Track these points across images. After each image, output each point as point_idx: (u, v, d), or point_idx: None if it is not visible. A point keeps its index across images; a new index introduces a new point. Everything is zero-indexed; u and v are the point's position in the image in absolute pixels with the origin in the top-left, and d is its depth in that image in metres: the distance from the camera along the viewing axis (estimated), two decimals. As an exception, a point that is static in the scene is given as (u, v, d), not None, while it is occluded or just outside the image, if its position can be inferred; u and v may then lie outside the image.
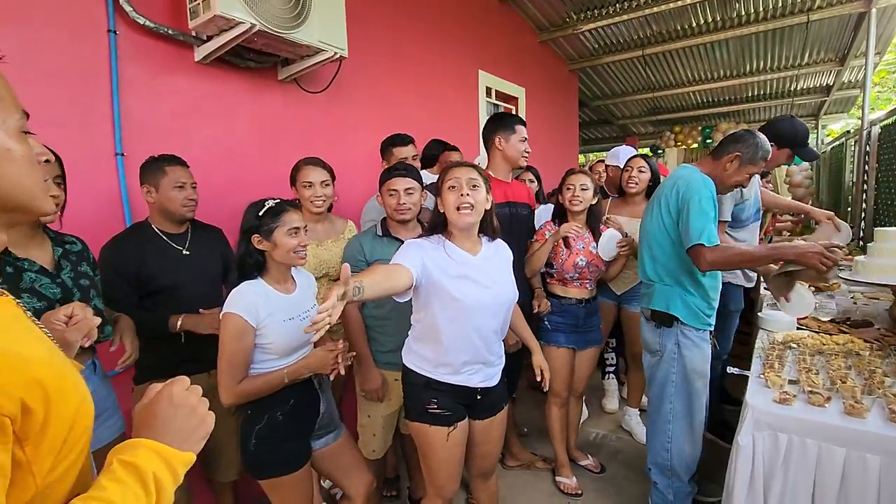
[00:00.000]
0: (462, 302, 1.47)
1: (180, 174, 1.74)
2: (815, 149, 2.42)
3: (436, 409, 1.53)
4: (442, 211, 1.53)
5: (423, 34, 3.58)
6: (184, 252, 1.78)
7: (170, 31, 2.03)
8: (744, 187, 1.94)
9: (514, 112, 4.91)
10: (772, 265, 1.90)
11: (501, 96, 4.75)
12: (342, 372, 1.51)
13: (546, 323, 2.31)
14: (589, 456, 2.62)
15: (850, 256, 3.06)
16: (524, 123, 2.22)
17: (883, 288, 2.37)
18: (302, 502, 1.50)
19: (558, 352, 2.30)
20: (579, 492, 2.37)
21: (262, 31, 2.00)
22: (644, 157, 2.76)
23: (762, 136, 1.84)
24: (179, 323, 1.66)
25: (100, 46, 1.88)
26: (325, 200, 2.00)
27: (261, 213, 1.46)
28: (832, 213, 2.52)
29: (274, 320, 1.42)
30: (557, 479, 2.44)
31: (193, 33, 2.09)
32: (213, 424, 0.67)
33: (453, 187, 1.49)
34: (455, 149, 2.90)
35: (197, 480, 1.95)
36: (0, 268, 1.17)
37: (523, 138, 2.17)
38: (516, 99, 4.93)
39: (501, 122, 2.20)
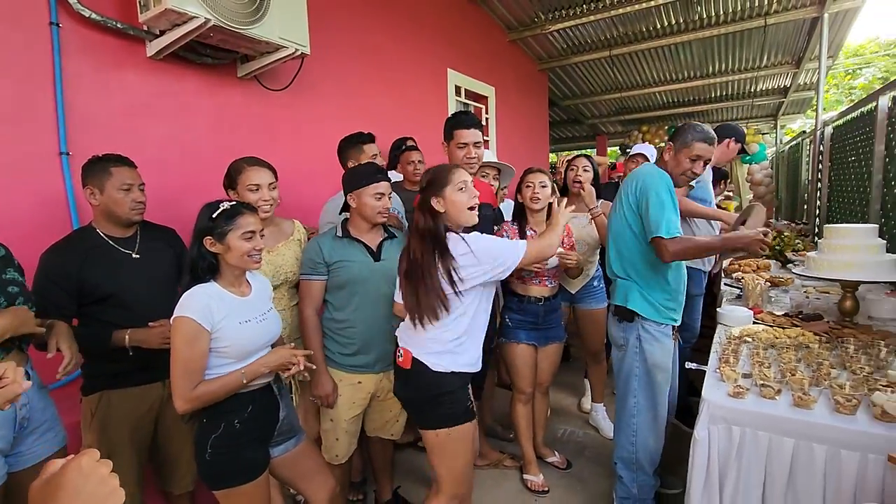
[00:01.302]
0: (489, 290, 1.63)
1: (127, 175, 1.64)
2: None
3: (471, 403, 1.62)
4: (442, 211, 1.58)
5: (391, 32, 3.54)
6: (133, 256, 1.69)
7: (118, 25, 1.95)
8: (696, 174, 1.95)
9: (484, 111, 4.92)
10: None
11: (471, 95, 4.75)
12: (301, 368, 1.47)
13: (507, 320, 2.33)
14: (556, 453, 2.64)
15: (803, 251, 3.18)
16: (470, 125, 2.14)
17: (833, 282, 2.47)
18: None
19: (519, 348, 2.32)
20: (546, 489, 2.39)
21: (217, 26, 1.94)
22: (587, 156, 2.86)
23: (694, 124, 1.93)
24: (127, 338, 1.58)
25: (41, 40, 1.79)
26: (272, 204, 1.89)
27: (214, 216, 1.41)
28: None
29: (229, 323, 1.37)
30: (525, 476, 2.46)
31: (144, 28, 2.01)
32: (123, 499, 0.62)
33: (462, 189, 1.58)
34: (415, 148, 2.85)
35: (152, 493, 1.87)
36: None
37: (461, 144, 2.12)
38: (486, 98, 4.94)
39: (445, 128, 2.20)
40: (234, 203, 1.45)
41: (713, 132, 1.93)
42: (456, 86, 4.40)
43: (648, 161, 2.99)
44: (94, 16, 1.87)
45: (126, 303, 1.62)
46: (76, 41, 1.88)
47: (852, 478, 1.26)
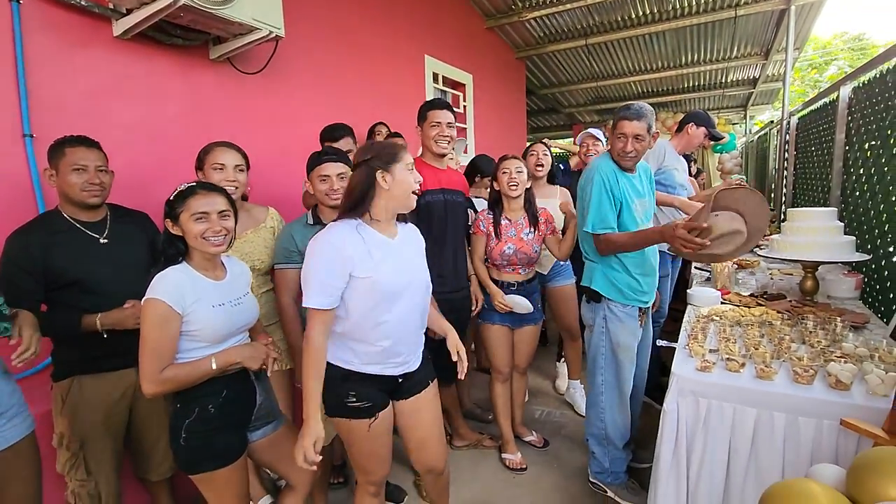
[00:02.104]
0: (385, 287, 1.42)
1: (81, 155, 1.58)
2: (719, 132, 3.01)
3: (355, 402, 1.47)
4: (387, 188, 1.42)
5: (368, 16, 3.50)
6: (101, 241, 1.65)
7: (83, 3, 1.88)
8: (627, 152, 1.92)
9: (462, 98, 4.92)
10: None
11: (449, 82, 4.74)
12: (269, 372, 1.49)
13: (485, 303, 2.37)
14: (533, 432, 2.71)
15: (769, 236, 3.30)
16: (443, 107, 2.16)
17: (795, 263, 2.58)
18: (236, 496, 1.46)
19: (493, 328, 2.37)
20: (524, 466, 2.46)
21: (187, 5, 1.88)
22: (545, 143, 2.99)
23: (623, 105, 1.98)
24: (98, 322, 1.55)
25: (1, 17, 1.71)
26: (237, 187, 1.83)
27: (171, 197, 1.39)
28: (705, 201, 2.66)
29: (201, 306, 1.36)
30: (503, 455, 2.51)
31: (111, 5, 1.94)
32: None
33: (412, 170, 1.47)
34: (398, 135, 2.88)
35: (129, 481, 1.85)
36: None
37: (434, 123, 2.14)
38: (464, 86, 4.94)
39: (420, 111, 2.21)
40: (192, 184, 1.42)
41: (640, 108, 1.91)
42: (434, 72, 4.38)
43: (598, 142, 3.15)
44: (56, -8, 1.80)
45: (94, 288, 1.58)
46: (38, 19, 1.80)
47: (809, 442, 1.34)
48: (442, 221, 2.19)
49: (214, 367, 1.36)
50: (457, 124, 2.26)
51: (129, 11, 1.97)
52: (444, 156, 2.22)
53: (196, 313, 1.35)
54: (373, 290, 1.40)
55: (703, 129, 2.90)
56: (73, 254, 1.58)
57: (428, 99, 3.42)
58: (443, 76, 4.56)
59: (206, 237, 1.37)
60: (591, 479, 2.20)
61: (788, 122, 4.45)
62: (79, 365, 1.63)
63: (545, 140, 3.38)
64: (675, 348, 1.79)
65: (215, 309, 1.39)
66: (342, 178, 1.84)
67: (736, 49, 6.07)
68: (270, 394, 1.63)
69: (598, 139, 3.16)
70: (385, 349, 1.48)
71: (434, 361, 1.72)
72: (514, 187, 2.26)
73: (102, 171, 1.65)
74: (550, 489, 2.32)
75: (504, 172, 2.28)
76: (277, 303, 1.91)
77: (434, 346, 1.78)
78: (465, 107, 4.96)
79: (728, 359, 1.55)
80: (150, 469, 1.81)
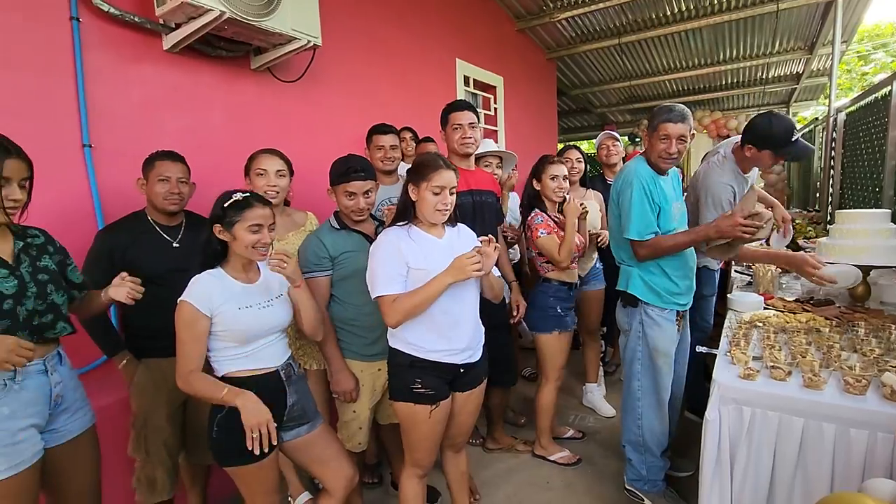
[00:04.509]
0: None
1: (166, 168, 1.78)
2: (803, 144, 2.04)
3: (420, 388, 1.58)
4: (415, 200, 1.60)
5: (400, 22, 3.55)
6: (174, 244, 1.82)
7: (136, 19, 1.99)
8: (670, 154, 1.90)
9: (492, 101, 4.92)
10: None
11: (480, 85, 4.74)
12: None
13: (558, 310, 2.37)
14: (569, 428, 2.75)
15: (815, 239, 3.17)
16: (463, 108, 2.18)
17: (845, 268, 2.46)
18: (265, 491, 1.50)
19: (555, 337, 2.40)
20: (578, 458, 2.51)
21: (232, 18, 1.97)
22: (578, 148, 3.00)
23: (661, 106, 1.93)
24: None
25: (63, 34, 1.83)
26: (279, 192, 1.94)
27: (226, 205, 1.45)
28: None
29: (227, 308, 1.42)
30: (553, 458, 2.52)
31: (161, 21, 2.04)
32: None
33: (437, 194, 1.56)
34: (430, 140, 2.91)
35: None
36: None
37: (456, 125, 2.16)
38: (494, 88, 4.93)
39: (442, 116, 2.23)
40: (247, 195, 1.49)
41: (683, 110, 1.89)
42: (465, 76, 4.40)
43: (618, 142, 3.11)
44: (112, 10, 1.91)
45: (162, 286, 1.68)
46: (96, 35, 1.92)
47: (861, 455, 1.28)
48: (470, 223, 2.20)
49: (222, 395, 1.38)
50: (487, 127, 2.29)
51: (178, 26, 2.07)
52: (469, 155, 2.23)
53: (222, 315, 1.41)
54: (427, 279, 1.52)
55: (766, 151, 2.06)
56: (148, 252, 1.76)
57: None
58: (473, 79, 4.57)
59: (256, 247, 1.45)
60: (627, 487, 2.16)
61: (835, 119, 4.25)
62: (143, 351, 1.80)
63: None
64: (715, 355, 1.75)
65: (241, 311, 1.45)
66: (367, 195, 1.84)
67: (778, 44, 5.84)
68: (305, 396, 1.65)
69: (617, 140, 3.13)
70: (445, 329, 1.58)
71: (490, 365, 1.80)
72: (560, 193, 2.32)
73: (183, 182, 1.83)
74: (584, 494, 2.29)
75: (553, 178, 2.33)
76: None
77: (491, 352, 1.82)
78: (495, 109, 4.96)
79: (773, 367, 1.50)
80: (197, 454, 1.92)
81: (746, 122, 2.12)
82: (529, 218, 2.39)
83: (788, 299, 2.28)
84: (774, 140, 1.98)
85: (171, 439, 1.83)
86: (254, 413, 1.38)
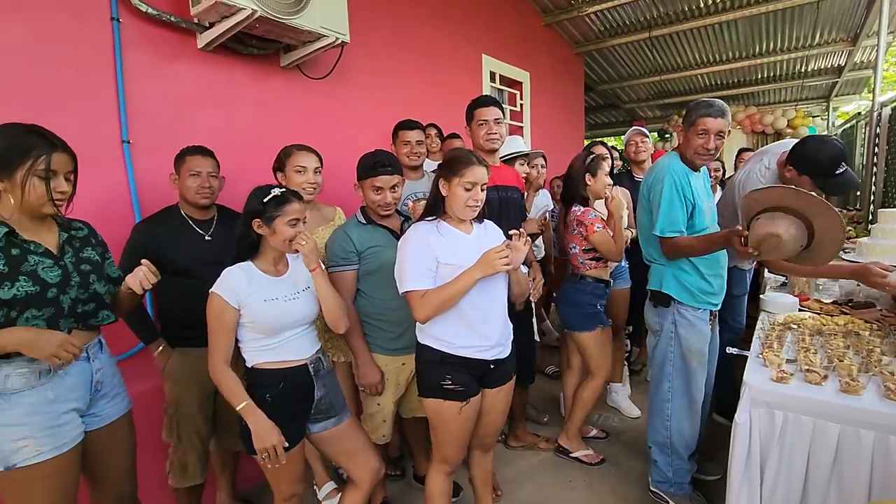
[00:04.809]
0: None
1: (197, 163, 1.83)
2: (849, 175, 1.92)
3: (450, 384, 1.58)
4: (445, 195, 1.60)
5: (427, 18, 3.56)
6: (206, 238, 1.88)
7: (172, 19, 2.05)
8: (708, 149, 1.86)
9: (518, 97, 4.88)
10: None
11: (506, 81, 4.71)
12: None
13: (598, 306, 2.38)
14: (592, 428, 2.73)
15: (855, 238, 3.04)
16: (489, 104, 2.16)
17: (887, 270, 2.36)
18: (289, 480, 1.54)
19: (609, 330, 2.42)
20: (602, 458, 2.50)
21: (263, 16, 2.01)
22: (604, 143, 2.95)
23: (698, 101, 1.89)
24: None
25: (104, 34, 1.91)
26: (316, 188, 2.00)
27: (266, 200, 1.48)
28: None
29: (254, 300, 1.46)
30: (576, 454, 2.52)
31: (195, 20, 2.10)
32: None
33: (468, 190, 1.55)
34: (456, 136, 2.90)
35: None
36: (6, 249, 1.21)
37: (482, 121, 2.14)
38: (521, 84, 4.89)
39: (467, 112, 2.22)
40: (283, 190, 1.52)
41: (722, 105, 1.85)
42: (491, 72, 4.37)
43: (647, 139, 3.06)
44: (150, 10, 1.98)
45: (194, 279, 1.76)
46: (134, 35, 1.99)
47: (902, 464, 1.23)
48: (496, 219, 2.19)
49: (239, 406, 1.44)
50: (512, 123, 2.27)
51: (212, 25, 2.12)
52: (494, 151, 2.22)
53: (249, 306, 1.46)
54: (456, 275, 1.52)
55: (807, 178, 1.97)
56: (181, 246, 1.82)
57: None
58: (500, 75, 4.54)
59: (294, 241, 1.49)
60: (652, 488, 2.13)
61: (879, 114, 4.06)
62: (175, 340, 1.88)
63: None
64: (745, 356, 1.70)
65: (267, 303, 1.48)
66: (394, 189, 1.85)
67: (819, 35, 5.60)
68: (334, 389, 1.67)
69: (645, 136, 3.06)
70: (476, 324, 1.57)
71: None
72: (608, 190, 2.32)
73: (213, 176, 1.88)
74: (607, 494, 2.27)
75: (607, 174, 2.34)
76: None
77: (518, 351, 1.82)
78: (521, 105, 4.92)
79: (808, 370, 1.45)
80: (228, 440, 1.98)
81: (798, 141, 2.01)
82: (580, 214, 2.30)
83: (825, 301, 2.20)
84: (817, 167, 1.91)
85: (202, 426, 1.89)
86: (263, 437, 1.43)
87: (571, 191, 2.39)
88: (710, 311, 1.95)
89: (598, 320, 2.37)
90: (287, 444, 1.48)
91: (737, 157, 4.47)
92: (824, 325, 1.85)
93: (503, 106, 2.29)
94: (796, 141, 2.04)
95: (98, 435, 1.40)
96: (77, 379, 1.33)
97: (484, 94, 4.21)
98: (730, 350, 1.85)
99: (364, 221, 1.90)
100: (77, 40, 1.84)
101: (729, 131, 1.89)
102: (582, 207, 2.33)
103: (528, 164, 2.88)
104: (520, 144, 2.84)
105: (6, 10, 1.68)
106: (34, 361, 1.23)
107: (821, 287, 2.39)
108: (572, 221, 2.35)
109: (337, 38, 2.37)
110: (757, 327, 1.94)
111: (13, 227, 1.24)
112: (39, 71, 1.75)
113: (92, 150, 1.85)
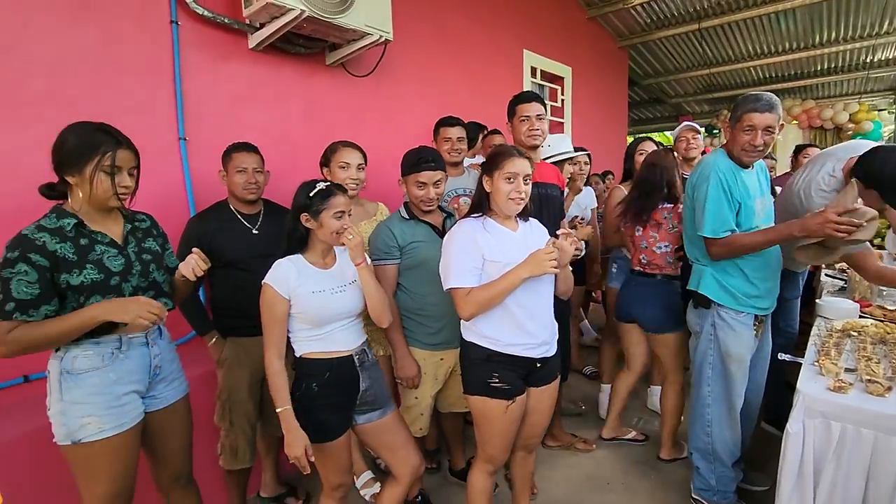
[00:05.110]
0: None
1: (242, 159, 1.90)
2: None
3: (497, 382, 1.57)
4: (489, 191, 1.59)
5: (468, 14, 3.56)
6: (253, 231, 1.95)
7: (226, 20, 2.13)
8: (755, 146, 1.77)
9: (560, 92, 4.80)
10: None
11: (547, 76, 4.65)
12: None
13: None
14: (630, 430, 2.70)
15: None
16: (531, 99, 2.14)
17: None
18: (336, 470, 1.58)
19: (677, 335, 2.37)
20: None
21: (310, 16, 2.07)
22: (651, 139, 2.86)
23: (744, 96, 1.79)
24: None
25: (164, 36, 2.01)
26: (358, 183, 2.04)
27: (311, 194, 1.53)
28: None
29: (302, 291, 1.51)
30: (619, 439, 2.59)
31: (247, 21, 2.18)
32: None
33: (510, 181, 1.54)
34: (497, 132, 2.90)
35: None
36: (76, 239, 1.30)
37: (524, 117, 2.12)
38: (562, 79, 4.81)
39: (508, 107, 2.19)
40: (329, 184, 1.57)
41: (770, 99, 1.73)
42: (532, 67, 4.32)
43: (698, 135, 2.94)
44: (206, 13, 2.07)
45: (243, 271, 1.85)
46: (192, 36, 2.09)
47: (975, 485, 1.15)
48: (536, 215, 2.18)
49: (279, 409, 1.48)
50: (554, 118, 2.24)
51: (262, 25, 2.20)
52: (536, 147, 2.20)
53: (298, 297, 1.50)
54: (504, 272, 1.51)
55: (873, 191, 1.76)
56: (230, 239, 1.89)
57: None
58: (541, 70, 4.48)
59: (339, 232, 1.53)
60: (694, 496, 2.07)
61: (956, 108, 3.75)
62: (228, 330, 1.97)
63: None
64: (800, 364, 1.63)
65: (314, 295, 1.52)
66: (437, 185, 1.87)
67: (887, 23, 5.23)
68: (378, 382, 1.70)
69: (697, 132, 2.94)
70: (523, 322, 1.56)
71: None
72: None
73: (259, 172, 1.95)
74: (646, 499, 2.22)
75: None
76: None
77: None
78: (563, 101, 4.83)
79: (870, 380, 1.37)
80: (273, 425, 2.03)
81: (866, 150, 1.84)
82: (679, 210, 2.26)
83: (889, 308, 2.07)
84: (881, 182, 1.73)
85: (251, 412, 1.97)
86: (293, 445, 1.46)
87: (657, 187, 2.28)
88: (756, 316, 1.87)
89: (665, 327, 2.32)
90: (327, 436, 1.53)
91: (795, 154, 4.21)
92: (888, 334, 1.74)
93: (545, 102, 2.25)
94: (865, 145, 1.90)
95: (157, 416, 1.49)
96: (137, 363, 1.41)
97: (525, 89, 4.18)
98: (781, 356, 1.77)
99: (407, 217, 1.93)
100: (140, 43, 1.95)
101: (782, 125, 1.80)
102: (671, 205, 2.28)
103: (570, 162, 2.84)
104: (568, 145, 2.80)
105: (80, 18, 1.79)
106: (99, 344, 1.32)
107: (884, 293, 2.25)
108: (664, 220, 2.28)
109: (380, 36, 2.40)
110: (812, 333, 1.85)
111: (82, 218, 1.33)
112: (107, 72, 1.86)
113: (153, 147, 1.95)
